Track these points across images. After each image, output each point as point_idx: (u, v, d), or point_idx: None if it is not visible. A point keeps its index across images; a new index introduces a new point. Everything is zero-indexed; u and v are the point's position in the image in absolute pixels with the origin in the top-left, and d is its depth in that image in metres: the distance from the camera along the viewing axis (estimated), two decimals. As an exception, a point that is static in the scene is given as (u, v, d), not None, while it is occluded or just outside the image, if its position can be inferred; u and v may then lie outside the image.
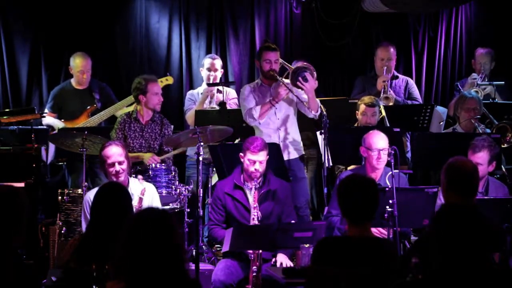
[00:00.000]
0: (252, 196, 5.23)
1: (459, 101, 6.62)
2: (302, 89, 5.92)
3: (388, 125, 6.40)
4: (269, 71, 6.06)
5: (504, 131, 6.30)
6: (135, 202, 5.20)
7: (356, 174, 4.30)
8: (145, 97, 6.25)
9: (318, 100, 6.03)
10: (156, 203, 5.37)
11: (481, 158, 5.19)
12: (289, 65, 6.29)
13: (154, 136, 6.32)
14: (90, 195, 4.91)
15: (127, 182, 5.28)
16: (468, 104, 6.49)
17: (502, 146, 6.14)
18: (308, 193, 6.32)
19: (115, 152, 5.22)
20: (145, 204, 5.26)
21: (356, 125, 6.56)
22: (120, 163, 5.21)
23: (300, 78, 5.90)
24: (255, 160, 5.22)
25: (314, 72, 6.02)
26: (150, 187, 5.45)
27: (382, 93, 6.97)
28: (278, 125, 6.12)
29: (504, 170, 6.07)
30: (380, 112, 6.55)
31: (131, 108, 6.59)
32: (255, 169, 5.22)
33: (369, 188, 3.61)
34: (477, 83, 7.23)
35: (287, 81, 6.05)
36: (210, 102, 6.87)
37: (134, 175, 5.65)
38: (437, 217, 2.79)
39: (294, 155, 6.15)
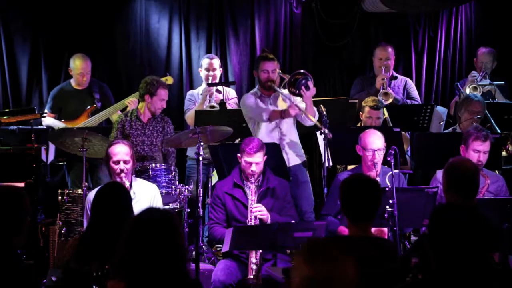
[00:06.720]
0: (250, 194, 5.24)
1: (464, 102, 6.57)
2: (301, 96, 5.88)
3: (391, 125, 6.39)
4: (267, 82, 6.03)
5: (505, 141, 6.30)
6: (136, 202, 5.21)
7: (359, 174, 4.30)
8: (151, 99, 6.23)
9: (314, 108, 5.99)
10: (159, 203, 5.37)
11: (488, 146, 5.26)
12: (286, 74, 6.20)
13: (156, 133, 6.32)
14: (92, 195, 4.91)
15: (130, 182, 5.28)
16: (473, 106, 6.46)
17: (502, 154, 6.15)
18: (312, 197, 6.29)
19: (121, 151, 5.23)
20: (147, 204, 5.25)
21: (359, 125, 6.56)
22: (125, 162, 5.22)
23: (303, 87, 5.85)
24: (252, 162, 5.23)
25: (312, 80, 5.97)
26: (153, 188, 5.45)
27: (381, 89, 6.96)
28: (279, 136, 6.09)
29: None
30: (383, 113, 6.55)
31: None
32: (252, 171, 5.23)
33: (372, 188, 3.61)
34: (477, 80, 7.23)
35: (285, 91, 6.00)
36: (209, 101, 6.85)
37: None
38: (432, 217, 2.79)
39: (296, 161, 6.13)
